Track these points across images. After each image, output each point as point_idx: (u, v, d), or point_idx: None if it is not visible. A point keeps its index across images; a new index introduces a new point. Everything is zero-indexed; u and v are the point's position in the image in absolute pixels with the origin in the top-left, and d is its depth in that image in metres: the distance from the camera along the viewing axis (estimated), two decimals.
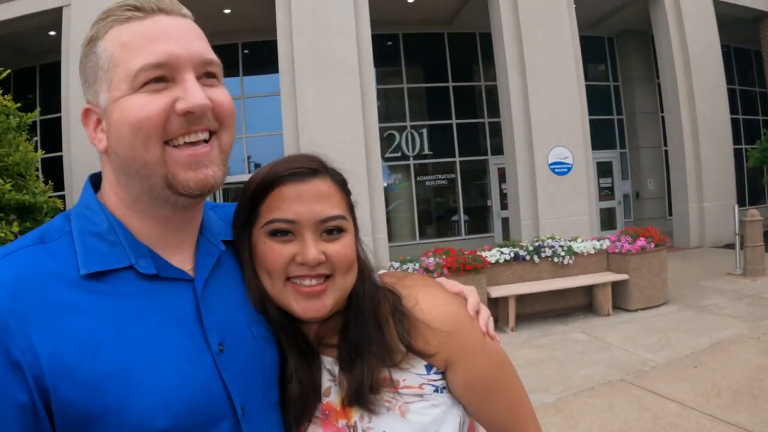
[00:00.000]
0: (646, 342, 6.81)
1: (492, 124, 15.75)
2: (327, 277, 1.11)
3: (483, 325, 1.19)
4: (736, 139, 16.47)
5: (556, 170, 12.50)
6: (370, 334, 1.12)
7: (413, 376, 1.11)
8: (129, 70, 0.90)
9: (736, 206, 11.48)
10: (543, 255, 8.29)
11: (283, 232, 1.09)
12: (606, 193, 17.24)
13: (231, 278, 1.12)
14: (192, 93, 0.92)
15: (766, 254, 10.62)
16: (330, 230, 1.11)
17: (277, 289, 1.11)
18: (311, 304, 1.09)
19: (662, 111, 16.49)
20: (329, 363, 1.16)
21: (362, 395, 1.09)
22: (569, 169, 12.62)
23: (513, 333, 7.55)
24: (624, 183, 17.98)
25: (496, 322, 7.66)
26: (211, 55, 0.98)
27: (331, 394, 1.14)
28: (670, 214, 16.21)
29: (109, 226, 0.97)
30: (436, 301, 1.17)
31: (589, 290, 8.37)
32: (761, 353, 6.18)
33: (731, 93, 16.19)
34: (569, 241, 8.68)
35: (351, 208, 1.19)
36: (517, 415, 1.20)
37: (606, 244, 8.75)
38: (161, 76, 0.91)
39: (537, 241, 8.61)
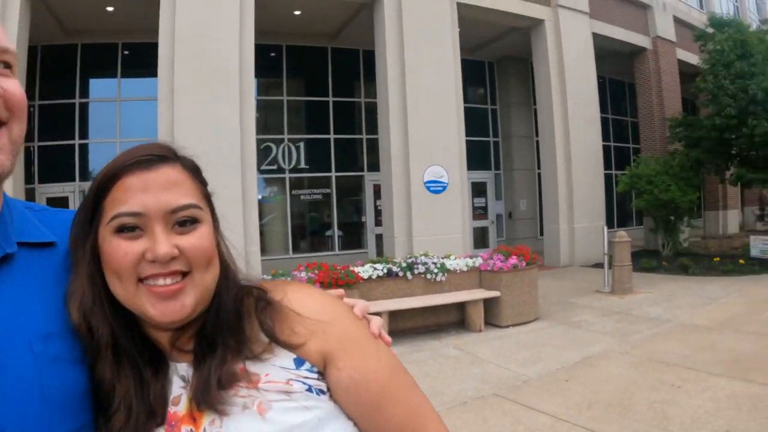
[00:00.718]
0: (518, 357, 6.91)
1: (369, 140, 15.82)
2: (184, 274, 0.96)
3: (375, 327, 1.08)
4: (607, 165, 17.49)
5: (431, 188, 12.64)
6: (226, 325, 0.99)
7: (277, 369, 0.96)
8: None
9: (606, 228, 12.06)
10: (416, 271, 8.32)
11: (130, 228, 0.95)
12: (480, 212, 17.76)
13: (20, 285, 0.95)
14: None
15: (633, 273, 11.23)
16: (183, 221, 0.97)
17: (129, 293, 0.95)
18: (168, 305, 0.94)
19: (537, 135, 17.24)
20: (183, 369, 1.01)
21: (209, 392, 0.94)
22: (444, 187, 12.80)
23: None
24: (497, 203, 18.59)
25: None
26: (5, 44, 0.92)
27: (181, 402, 0.99)
28: (542, 233, 16.94)
29: None
30: (309, 292, 1.06)
31: (461, 307, 8.45)
32: (630, 367, 6.40)
33: (604, 121, 17.30)
34: (442, 258, 8.76)
35: (207, 197, 1.04)
36: (424, 426, 1.03)
37: (478, 261, 8.92)
38: None
39: (410, 257, 8.60)
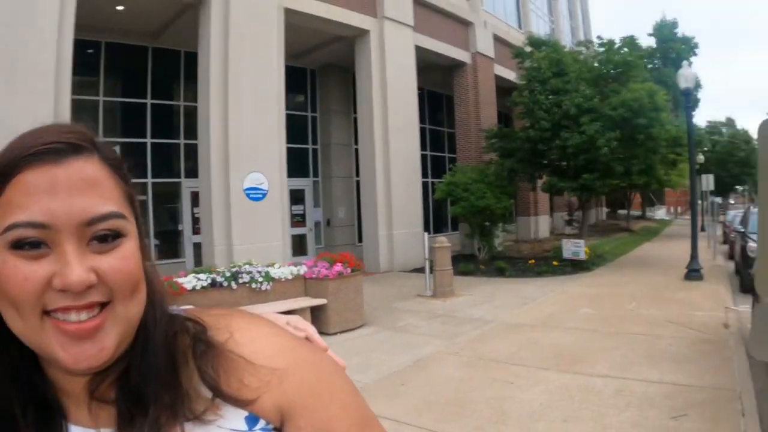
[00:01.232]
0: (350, 364, 6.85)
1: (188, 145, 15.25)
2: (103, 305, 0.72)
3: (317, 340, 0.96)
4: (424, 173, 18.17)
5: (251, 196, 12.44)
6: (157, 375, 0.76)
7: None
8: None
9: (426, 234, 12.52)
10: (241, 281, 8.17)
11: (33, 243, 0.69)
12: (298, 219, 17.74)
13: None
14: None
15: (453, 277, 11.76)
16: (103, 236, 0.72)
17: (31, 330, 0.70)
18: (84, 348, 0.70)
19: (356, 143, 17.59)
20: None
21: None
22: (264, 195, 12.66)
23: None
24: (316, 210, 18.71)
25: None
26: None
27: None
28: (360, 240, 17.33)
29: None
30: (259, 331, 0.83)
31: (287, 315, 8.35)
32: (461, 367, 6.70)
33: (422, 131, 17.94)
34: (267, 266, 8.67)
35: (132, 201, 0.79)
36: None
37: (303, 269, 8.95)
38: None
39: (234, 266, 8.43)
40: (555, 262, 15.37)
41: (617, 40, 18.76)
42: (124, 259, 0.73)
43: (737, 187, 73.44)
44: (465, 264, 14.95)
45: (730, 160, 58.56)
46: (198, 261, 14.34)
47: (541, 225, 24.44)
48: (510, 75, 21.32)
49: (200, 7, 12.58)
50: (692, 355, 6.73)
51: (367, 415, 0.87)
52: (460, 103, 19.52)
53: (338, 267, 8.78)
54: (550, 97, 16.59)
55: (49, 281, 0.68)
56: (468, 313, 9.90)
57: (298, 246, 17.10)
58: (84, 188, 0.71)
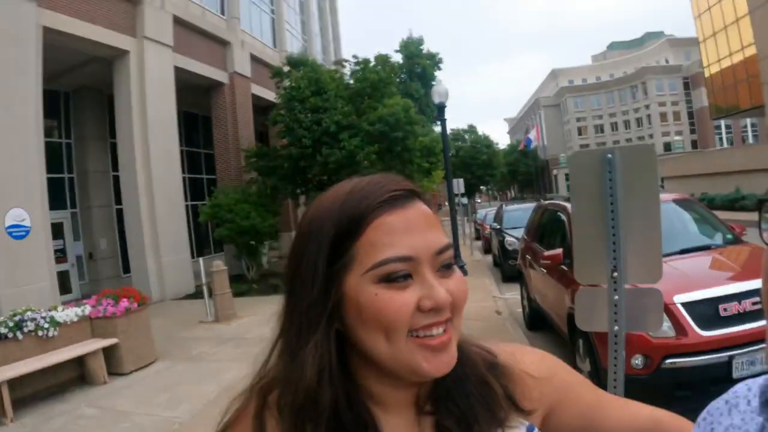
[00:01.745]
0: (159, 401, 6.88)
1: None
2: (447, 320, 0.88)
3: None
4: (185, 196, 17.89)
5: (13, 234, 11.33)
6: (473, 393, 0.94)
7: None
8: None
9: (201, 260, 12.48)
10: (26, 330, 7.57)
11: (403, 275, 0.84)
12: (59, 255, 16.41)
13: None
14: None
15: (233, 299, 11.92)
16: (447, 264, 0.88)
17: (398, 350, 0.84)
18: (442, 357, 0.86)
19: (114, 170, 16.83)
20: None
21: None
22: (27, 232, 11.59)
23: (14, 423, 6.63)
24: (76, 244, 17.51)
25: None
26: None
27: None
28: (126, 271, 16.62)
29: None
30: (524, 349, 1.05)
31: (79, 360, 7.97)
32: None
33: (180, 153, 17.62)
34: (50, 311, 8.19)
35: None
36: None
37: (88, 309, 8.54)
38: None
39: (16, 314, 7.85)
40: None
41: (372, 59, 20.04)
42: (461, 281, 0.89)
43: (482, 187, 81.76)
44: (237, 285, 14.93)
45: (474, 163, 65.16)
46: None
47: None
48: (266, 94, 21.68)
49: None
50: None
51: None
52: (218, 123, 19.42)
53: (125, 303, 8.54)
54: (310, 115, 17.27)
55: (417, 305, 0.83)
56: (258, 333, 10.00)
57: (62, 284, 15.67)
58: (430, 225, 0.87)
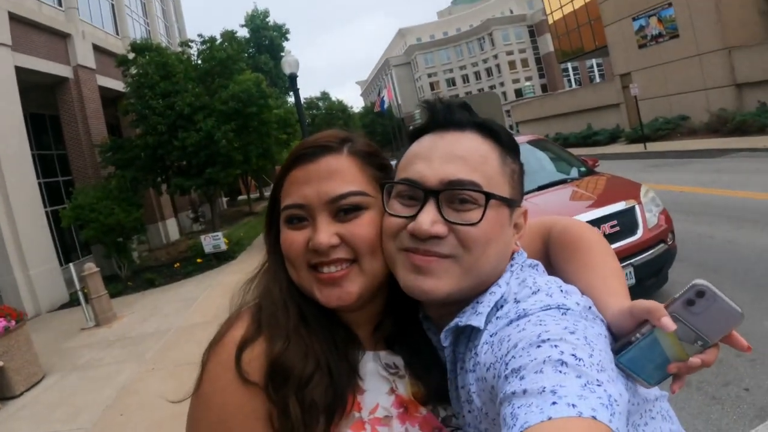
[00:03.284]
0: (59, 417, 6.89)
1: None
2: (352, 261, 1.07)
3: None
4: (44, 202, 17.19)
5: None
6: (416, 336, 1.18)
7: None
8: None
9: (72, 265, 12.25)
10: None
11: (298, 218, 1.08)
12: None
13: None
14: None
15: (111, 300, 11.80)
16: (346, 209, 1.07)
17: (302, 278, 1.09)
18: (332, 291, 1.06)
19: None
20: (385, 357, 1.16)
21: (444, 396, 1.12)
22: None
23: None
24: None
25: None
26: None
27: (399, 388, 1.13)
28: None
29: None
30: None
31: None
32: (164, 378, 7.18)
33: (32, 158, 16.84)
34: None
35: (382, 184, 1.11)
36: None
37: None
38: None
39: None
40: (199, 260, 16.15)
41: (218, 37, 19.90)
42: (362, 226, 1.07)
43: None
44: (113, 285, 14.76)
45: (330, 128, 65.52)
46: None
47: (170, 228, 24.80)
48: (113, 84, 21.02)
49: None
50: None
51: None
52: (67, 121, 18.65)
53: (2, 322, 8.38)
54: (161, 100, 17.15)
55: (307, 244, 1.06)
56: (142, 331, 10.17)
57: None
58: (330, 176, 1.07)
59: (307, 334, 1.07)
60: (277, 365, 1.01)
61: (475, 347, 0.98)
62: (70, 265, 12.36)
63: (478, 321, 0.99)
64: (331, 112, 68.12)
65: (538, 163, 7.70)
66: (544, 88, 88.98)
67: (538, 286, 0.99)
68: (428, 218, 0.98)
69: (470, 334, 1.03)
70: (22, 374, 8.35)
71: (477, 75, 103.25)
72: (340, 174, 1.08)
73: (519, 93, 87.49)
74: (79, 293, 11.81)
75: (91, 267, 11.45)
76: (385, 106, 71.06)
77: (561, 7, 42.38)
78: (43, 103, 18.90)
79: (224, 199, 42.70)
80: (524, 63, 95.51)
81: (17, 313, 8.81)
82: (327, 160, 1.09)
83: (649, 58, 28.15)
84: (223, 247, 16.04)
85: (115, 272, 16.87)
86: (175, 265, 16.55)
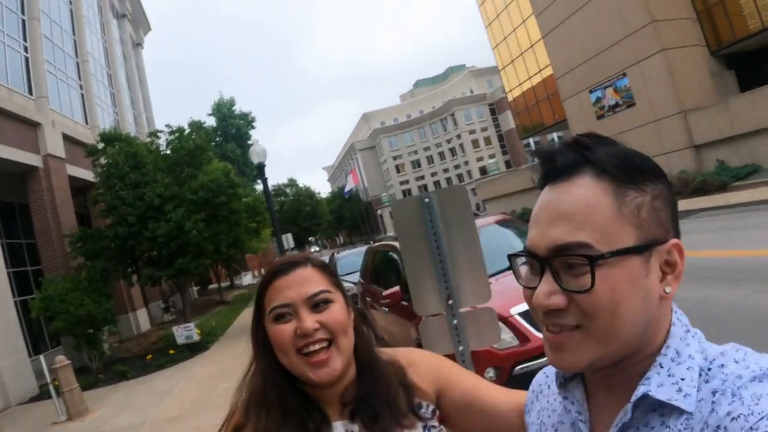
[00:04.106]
0: None
1: None
2: (329, 343, 1.37)
3: None
4: (12, 292, 16.82)
5: None
6: (383, 399, 1.40)
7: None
8: None
9: (42, 357, 11.92)
10: None
11: (284, 315, 1.37)
12: None
13: None
14: None
15: (82, 393, 11.45)
16: (318, 303, 1.38)
17: (293, 363, 1.37)
18: (322, 370, 1.35)
19: None
20: (344, 425, 1.40)
21: None
22: None
23: None
24: None
25: None
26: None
27: None
28: None
29: None
30: (419, 351, 1.61)
31: None
32: None
33: (0, 247, 16.58)
34: None
35: (338, 284, 1.47)
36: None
37: None
38: None
39: None
40: (171, 351, 15.86)
41: (186, 126, 20.05)
42: (333, 313, 1.39)
43: (310, 238, 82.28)
44: (84, 377, 14.26)
45: (299, 215, 65.56)
46: None
47: (141, 318, 24.32)
48: (83, 173, 21.01)
49: None
50: None
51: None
52: (36, 210, 18.41)
53: None
54: (131, 191, 17.13)
55: (295, 332, 1.35)
56: (115, 425, 9.89)
57: None
58: (303, 281, 1.40)
59: (281, 416, 1.37)
60: None
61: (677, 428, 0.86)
62: (40, 356, 12.12)
63: (688, 404, 0.85)
64: (299, 199, 68.56)
65: (506, 242, 7.72)
66: (507, 164, 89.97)
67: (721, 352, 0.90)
68: (544, 290, 0.91)
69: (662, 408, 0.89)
70: None
71: (441, 155, 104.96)
72: (310, 279, 1.41)
73: (483, 171, 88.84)
74: (50, 386, 11.48)
75: (62, 359, 11.21)
76: (351, 190, 71.64)
77: (519, 84, 43.58)
78: (11, 191, 18.73)
79: (195, 288, 42.15)
80: (487, 141, 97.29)
81: None
82: (299, 271, 1.42)
83: (609, 127, 28.79)
84: (196, 338, 15.87)
85: (85, 364, 16.38)
86: (148, 357, 16.18)
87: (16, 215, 19.81)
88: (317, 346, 1.35)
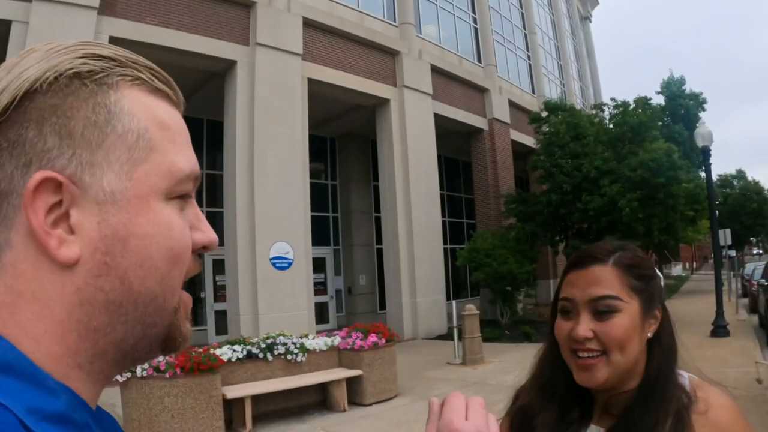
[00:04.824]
0: None
1: (209, 213, 15.07)
2: (602, 353, 1.23)
3: None
4: (444, 240, 18.16)
5: (277, 265, 12.44)
6: (645, 425, 1.18)
7: None
8: (173, 166, 0.59)
9: (454, 302, 12.41)
10: (276, 352, 8.06)
11: (567, 310, 1.28)
12: (319, 287, 17.61)
13: None
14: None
15: (483, 344, 11.63)
16: (601, 310, 1.23)
17: (566, 357, 1.29)
18: (583, 374, 1.24)
19: (376, 211, 17.73)
20: (597, 431, 1.28)
21: None
22: (290, 264, 12.66)
23: None
24: (337, 278, 18.72)
25: (231, 423, 7.23)
26: None
27: None
28: (381, 308, 17.24)
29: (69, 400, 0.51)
30: (727, 408, 1.21)
31: (323, 387, 8.31)
32: None
33: (441, 198, 17.98)
34: (301, 338, 8.60)
35: (638, 290, 1.26)
36: None
37: (337, 340, 8.84)
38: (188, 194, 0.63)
39: (269, 338, 8.35)
40: None
41: (631, 102, 18.94)
42: (612, 326, 1.22)
43: (752, 239, 72.90)
44: (490, 330, 14.70)
45: (743, 212, 58.23)
46: (220, 329, 14.36)
47: None
48: (525, 139, 21.63)
49: (226, 77, 12.83)
50: None
51: None
52: (478, 169, 19.65)
53: (373, 338, 8.68)
54: (570, 160, 16.79)
55: (569, 333, 1.25)
56: (501, 380, 9.68)
57: (319, 314, 16.91)
58: (594, 282, 1.25)
59: (548, 398, 1.34)
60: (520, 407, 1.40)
61: None
62: (453, 301, 12.55)
63: None
64: (746, 193, 60.53)
65: None
66: None
67: None
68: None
69: None
70: (377, 387, 8.57)
71: None
72: (603, 281, 1.25)
73: None
74: (455, 330, 11.92)
75: (471, 308, 11.53)
76: None
77: None
78: (456, 149, 20.17)
79: None
80: None
81: (389, 334, 9.08)
82: (595, 268, 1.27)
83: None
84: None
85: (495, 318, 16.89)
86: None
87: (459, 171, 21.16)
88: (586, 354, 1.24)
